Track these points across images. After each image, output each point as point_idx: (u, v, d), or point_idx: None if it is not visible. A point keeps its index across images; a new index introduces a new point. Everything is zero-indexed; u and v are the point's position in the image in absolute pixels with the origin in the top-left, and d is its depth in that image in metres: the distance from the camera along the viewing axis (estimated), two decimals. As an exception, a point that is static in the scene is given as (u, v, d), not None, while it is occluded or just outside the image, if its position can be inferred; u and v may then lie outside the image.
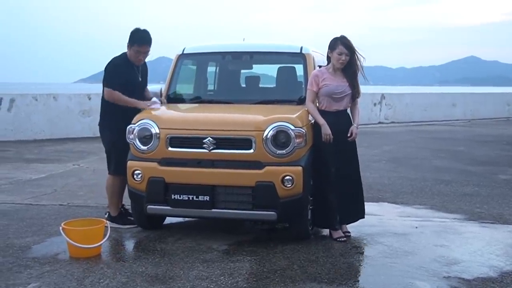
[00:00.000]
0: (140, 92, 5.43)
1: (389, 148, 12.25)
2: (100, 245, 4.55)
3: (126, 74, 5.28)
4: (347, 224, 5.14)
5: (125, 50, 5.35)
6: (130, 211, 5.38)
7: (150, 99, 5.49)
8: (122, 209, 5.49)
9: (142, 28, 5.35)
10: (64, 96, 13.75)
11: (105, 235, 4.61)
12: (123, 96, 5.20)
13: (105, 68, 5.36)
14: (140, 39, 5.28)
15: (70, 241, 4.44)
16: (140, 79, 5.42)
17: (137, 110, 5.19)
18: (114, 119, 5.25)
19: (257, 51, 6.21)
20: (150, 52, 5.36)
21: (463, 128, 18.05)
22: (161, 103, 5.50)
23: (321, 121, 4.90)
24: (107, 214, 5.40)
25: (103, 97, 5.35)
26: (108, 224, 4.76)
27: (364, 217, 5.21)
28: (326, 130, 4.88)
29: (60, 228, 4.54)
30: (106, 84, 5.25)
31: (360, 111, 5.23)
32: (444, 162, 10.10)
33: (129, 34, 5.30)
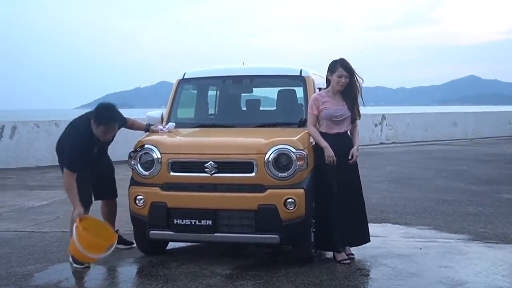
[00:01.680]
0: (92, 161, 5.10)
1: (391, 168, 12.24)
2: (98, 258, 4.65)
3: (86, 154, 4.95)
4: (351, 246, 5.12)
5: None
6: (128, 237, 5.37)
7: (142, 127, 5.47)
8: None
9: (108, 104, 5.06)
10: (66, 122, 13.64)
11: (108, 250, 4.65)
12: (74, 188, 4.84)
13: (70, 142, 4.96)
14: (106, 119, 4.91)
15: (77, 244, 4.50)
16: (96, 149, 5.06)
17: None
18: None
19: (257, 75, 6.25)
20: (116, 129, 5.06)
21: (464, 148, 18.04)
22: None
23: (324, 143, 4.92)
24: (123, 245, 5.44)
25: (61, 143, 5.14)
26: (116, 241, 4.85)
27: (369, 241, 5.17)
28: (329, 152, 4.88)
29: (74, 226, 4.60)
30: (67, 164, 4.87)
31: (360, 132, 5.25)
32: (447, 181, 10.08)
33: (95, 109, 4.98)
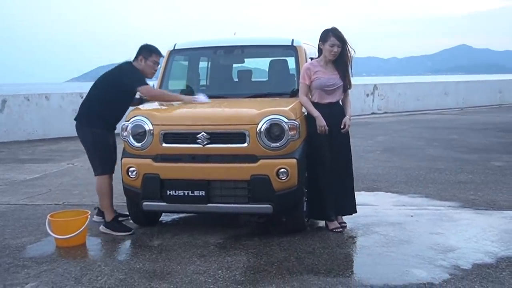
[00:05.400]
0: (132, 101, 5.38)
1: (382, 138, 12.29)
2: (77, 234, 4.70)
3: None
4: (343, 215, 5.17)
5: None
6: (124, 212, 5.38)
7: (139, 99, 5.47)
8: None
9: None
10: (56, 95, 13.70)
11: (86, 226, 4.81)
12: (165, 92, 5.37)
13: (124, 70, 5.23)
14: (157, 50, 5.32)
15: (50, 232, 4.71)
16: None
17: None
18: (103, 116, 5.14)
19: (248, 45, 6.21)
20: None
21: (456, 117, 18.11)
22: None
23: (316, 113, 4.92)
24: (103, 219, 5.33)
25: (97, 98, 5.21)
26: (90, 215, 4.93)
27: (356, 212, 5.22)
28: (320, 121, 4.89)
29: (46, 219, 4.81)
30: (140, 82, 5.15)
31: (352, 102, 5.26)
32: (438, 150, 10.14)
33: (138, 49, 5.29)
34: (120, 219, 5.36)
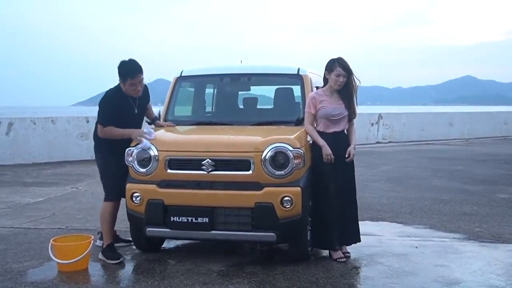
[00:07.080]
0: (136, 122, 5.26)
1: (387, 168, 12.26)
2: (80, 259, 4.67)
3: (118, 107, 5.08)
4: (347, 245, 5.13)
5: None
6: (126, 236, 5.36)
7: (154, 118, 5.55)
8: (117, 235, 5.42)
9: (127, 59, 5.08)
10: (62, 119, 13.77)
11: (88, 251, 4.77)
12: (114, 130, 5.02)
13: (99, 104, 5.16)
14: (131, 72, 5.00)
15: (52, 256, 4.69)
16: (136, 110, 5.21)
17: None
18: (108, 143, 5.11)
19: (254, 73, 6.26)
20: (144, 79, 5.11)
21: (460, 147, 18.08)
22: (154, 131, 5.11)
23: (321, 142, 4.93)
24: (102, 242, 5.29)
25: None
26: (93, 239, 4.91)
27: (360, 241, 5.18)
28: (327, 150, 4.90)
29: (49, 244, 4.79)
30: (98, 121, 5.11)
31: (357, 132, 5.27)
32: (443, 181, 10.11)
33: (117, 68, 5.04)
34: (122, 244, 5.35)
